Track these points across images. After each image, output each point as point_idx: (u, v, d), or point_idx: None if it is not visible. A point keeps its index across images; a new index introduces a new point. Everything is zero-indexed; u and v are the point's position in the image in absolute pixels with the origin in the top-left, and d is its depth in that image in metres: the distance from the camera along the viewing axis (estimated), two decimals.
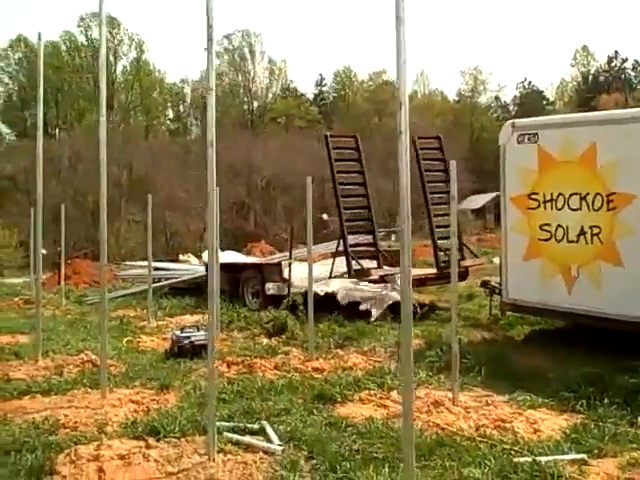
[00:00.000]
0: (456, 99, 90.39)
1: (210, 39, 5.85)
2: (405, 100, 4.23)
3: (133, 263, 19.75)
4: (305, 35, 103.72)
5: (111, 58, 75.62)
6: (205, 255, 16.80)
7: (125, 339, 10.21)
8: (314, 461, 5.25)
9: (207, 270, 14.92)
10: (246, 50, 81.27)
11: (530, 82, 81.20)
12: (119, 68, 75.69)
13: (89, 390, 7.31)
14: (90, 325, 11.95)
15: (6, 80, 69.86)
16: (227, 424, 5.98)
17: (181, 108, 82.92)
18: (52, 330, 11.14)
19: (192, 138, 78.59)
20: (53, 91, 70.15)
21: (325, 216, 24.12)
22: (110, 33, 74.99)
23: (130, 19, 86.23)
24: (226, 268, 12.99)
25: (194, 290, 14.86)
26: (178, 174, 59.50)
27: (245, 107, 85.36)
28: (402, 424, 4.27)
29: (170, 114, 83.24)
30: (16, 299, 16.24)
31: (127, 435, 5.84)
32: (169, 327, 11.52)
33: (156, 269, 15.55)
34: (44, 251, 22.44)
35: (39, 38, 9.83)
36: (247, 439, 5.68)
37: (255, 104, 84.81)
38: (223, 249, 19.32)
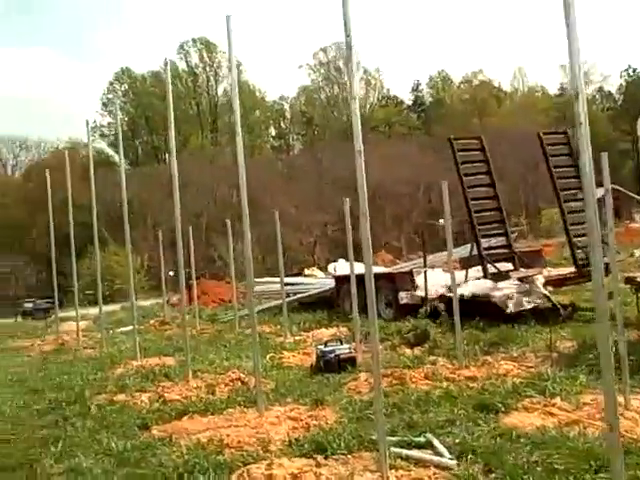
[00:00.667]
0: (557, 93, 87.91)
1: (349, 48, 5.78)
2: (582, 88, 4.00)
3: (259, 280, 19.92)
4: (397, 43, 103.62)
5: (212, 81, 77.66)
6: (331, 268, 16.75)
7: (268, 355, 10.23)
8: (492, 475, 5.02)
9: (337, 282, 14.95)
10: (340, 62, 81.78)
11: (635, 69, 78.00)
12: (220, 90, 77.64)
13: (244, 409, 7.32)
14: (229, 343, 12.11)
15: (115, 111, 72.93)
16: (392, 438, 5.81)
17: (282, 125, 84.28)
18: (195, 350, 11.36)
19: (295, 153, 79.65)
20: (160, 119, 72.97)
21: (442, 222, 23.86)
22: (209, 57, 77.14)
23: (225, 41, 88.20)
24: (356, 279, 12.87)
25: (324, 303, 14.82)
26: (284, 190, 60.50)
27: (344, 119, 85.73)
28: (608, 437, 3.98)
29: (272, 132, 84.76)
30: (152, 321, 16.74)
31: (293, 453, 5.76)
32: (307, 342, 11.54)
33: (285, 284, 15.67)
34: (172, 273, 23.24)
35: (165, 64, 10.06)
36: (417, 454, 5.49)
37: None
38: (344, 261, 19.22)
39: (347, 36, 5.64)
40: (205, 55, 75.31)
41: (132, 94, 73.69)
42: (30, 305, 25.72)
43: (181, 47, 74.38)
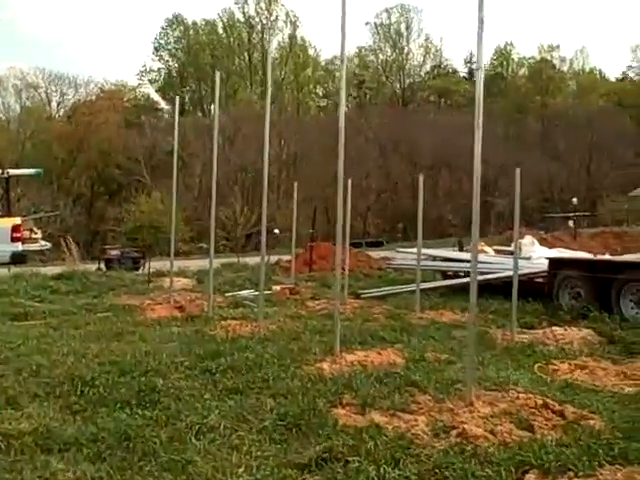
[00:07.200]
0: (619, 77, 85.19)
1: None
2: None
3: (406, 250, 16.88)
4: (462, 10, 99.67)
5: (266, 35, 75.16)
6: (526, 249, 13.41)
7: (536, 365, 7.10)
8: None
9: (552, 267, 11.70)
10: (403, 26, 78.72)
11: None
12: (274, 44, 75.01)
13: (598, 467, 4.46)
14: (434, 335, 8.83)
15: (166, 57, 70.23)
16: None
17: (331, 85, 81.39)
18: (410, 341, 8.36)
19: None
20: (210, 69, 70.00)
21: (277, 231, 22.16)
22: (267, 10, 74.50)
23: None
24: (583, 266, 10.16)
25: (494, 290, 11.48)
26: (333, 150, 57.63)
27: (397, 85, 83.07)
28: None
29: (319, 91, 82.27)
30: (276, 287, 13.60)
31: None
32: (547, 344, 8.46)
33: (443, 259, 12.74)
34: (277, 231, 20.46)
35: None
36: None
37: (407, 82, 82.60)
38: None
39: None
40: (263, 6, 72.33)
41: (183, 41, 71.05)
42: (116, 252, 22.77)
43: None
